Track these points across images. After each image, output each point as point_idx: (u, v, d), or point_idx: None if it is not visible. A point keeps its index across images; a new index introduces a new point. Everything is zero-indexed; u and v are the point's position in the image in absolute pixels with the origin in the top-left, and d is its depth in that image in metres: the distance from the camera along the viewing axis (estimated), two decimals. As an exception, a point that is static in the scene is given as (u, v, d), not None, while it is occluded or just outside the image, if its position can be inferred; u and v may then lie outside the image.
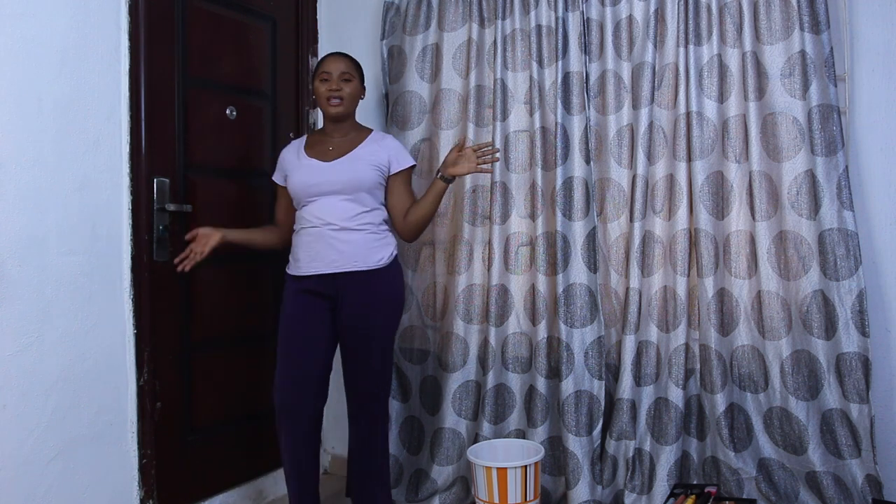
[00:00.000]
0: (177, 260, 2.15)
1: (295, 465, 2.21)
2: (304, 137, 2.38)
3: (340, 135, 2.28)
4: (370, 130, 2.34)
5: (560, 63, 2.50)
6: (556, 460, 2.50)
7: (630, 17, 2.47)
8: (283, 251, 2.38)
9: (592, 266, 2.49)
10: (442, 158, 2.69)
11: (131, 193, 2.17)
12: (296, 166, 2.26)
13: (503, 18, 2.60)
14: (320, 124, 2.95)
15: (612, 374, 2.51)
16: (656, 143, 2.44)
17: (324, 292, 2.18)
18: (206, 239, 2.16)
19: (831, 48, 2.19)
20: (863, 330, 2.15)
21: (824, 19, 2.19)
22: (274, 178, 2.37)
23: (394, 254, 2.25)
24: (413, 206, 2.27)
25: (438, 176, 2.26)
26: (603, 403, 2.44)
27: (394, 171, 2.26)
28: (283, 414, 2.18)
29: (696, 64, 2.37)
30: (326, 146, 2.28)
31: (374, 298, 2.20)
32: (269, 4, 2.75)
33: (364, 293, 2.18)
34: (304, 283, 2.20)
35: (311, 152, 2.28)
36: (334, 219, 2.16)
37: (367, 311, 2.19)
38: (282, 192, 2.35)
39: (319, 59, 2.33)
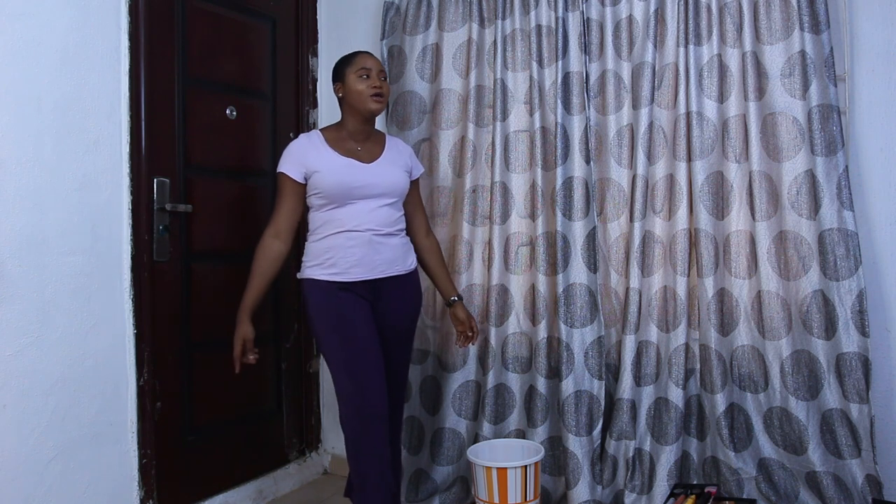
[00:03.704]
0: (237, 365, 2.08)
1: (384, 476, 2.03)
2: (318, 133, 2.18)
3: (364, 136, 2.20)
4: (382, 133, 2.32)
5: (560, 63, 2.50)
6: (556, 460, 2.50)
7: (630, 17, 2.47)
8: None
9: (592, 266, 2.50)
10: (441, 158, 2.70)
11: (131, 193, 2.17)
12: (328, 164, 2.08)
13: (503, 18, 2.60)
14: (320, 124, 2.96)
15: (612, 374, 2.51)
16: (656, 143, 2.44)
17: (364, 294, 2.11)
18: (248, 344, 2.07)
19: (831, 48, 2.19)
20: (863, 330, 2.15)
21: (824, 19, 2.19)
22: (287, 171, 2.09)
23: (415, 257, 2.29)
24: (439, 254, 2.38)
25: (451, 299, 2.37)
26: (603, 403, 2.44)
27: (414, 177, 2.29)
28: (368, 419, 2.01)
29: (696, 64, 2.37)
30: (353, 146, 2.16)
31: (409, 300, 2.24)
32: (269, 4, 2.75)
33: (401, 295, 2.19)
34: (354, 287, 2.09)
35: (341, 151, 2.12)
36: (378, 224, 2.10)
37: (405, 312, 2.23)
38: (296, 189, 2.10)
39: (348, 55, 2.21)
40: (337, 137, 2.17)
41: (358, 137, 2.19)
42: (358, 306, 2.08)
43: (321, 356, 2.93)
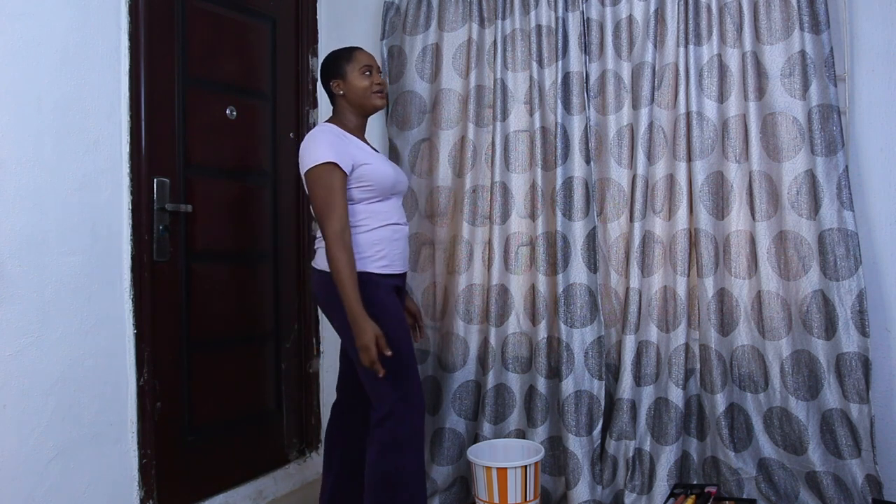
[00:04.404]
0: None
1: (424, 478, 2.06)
2: (334, 126, 2.09)
3: (363, 133, 2.19)
4: None
5: (560, 63, 2.50)
6: (556, 460, 2.50)
7: (630, 17, 2.47)
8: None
9: (592, 266, 2.50)
10: (441, 158, 2.70)
11: (131, 193, 2.16)
12: (373, 157, 2.07)
13: (503, 18, 2.60)
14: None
15: (612, 374, 2.51)
16: (656, 143, 2.44)
17: (400, 287, 2.17)
18: (382, 341, 1.90)
19: (831, 48, 2.20)
20: (863, 330, 2.15)
21: (824, 19, 2.20)
22: (339, 161, 1.96)
23: None
24: None
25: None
26: (603, 403, 2.44)
27: None
28: (422, 420, 2.05)
29: (696, 64, 2.37)
30: (365, 142, 2.16)
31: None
32: (269, 4, 2.75)
33: (404, 290, 2.25)
34: (394, 280, 2.09)
35: (366, 145, 2.14)
36: (406, 220, 2.19)
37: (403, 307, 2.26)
38: (346, 180, 1.99)
39: (344, 50, 2.19)
40: (350, 131, 2.12)
41: (359, 134, 2.18)
42: (397, 300, 2.11)
43: (321, 355, 2.93)
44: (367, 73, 2.13)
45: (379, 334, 1.88)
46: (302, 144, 2.04)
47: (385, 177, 2.06)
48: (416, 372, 2.06)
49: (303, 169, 2.00)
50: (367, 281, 1.99)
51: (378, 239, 2.04)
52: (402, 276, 2.16)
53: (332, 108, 2.20)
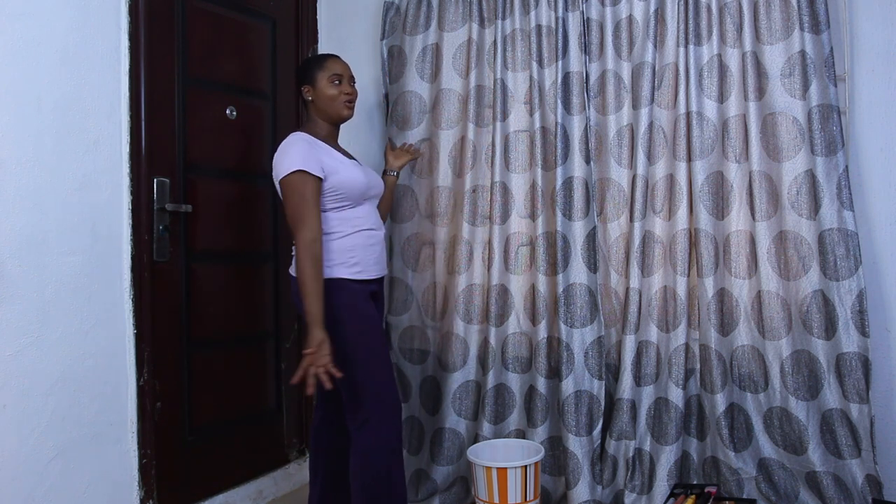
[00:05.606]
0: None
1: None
2: (306, 134, 2.09)
3: (335, 139, 2.21)
4: None
5: (560, 63, 2.50)
6: (556, 460, 2.50)
7: (630, 17, 2.47)
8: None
9: (592, 266, 2.50)
10: (441, 158, 2.70)
11: (131, 193, 2.16)
12: (343, 164, 2.06)
13: (503, 18, 2.60)
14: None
15: (612, 374, 2.51)
16: (656, 143, 2.44)
17: (376, 293, 2.17)
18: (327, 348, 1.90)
19: (831, 48, 2.20)
20: (863, 330, 2.15)
21: (824, 19, 2.20)
22: (311, 170, 1.96)
23: None
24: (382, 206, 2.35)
25: (390, 173, 2.52)
26: (603, 403, 2.44)
27: None
28: (400, 423, 2.06)
29: (696, 64, 2.37)
30: (337, 148, 2.17)
31: (383, 301, 2.28)
32: (269, 4, 2.75)
33: (382, 295, 2.25)
34: (368, 286, 2.10)
35: (337, 152, 2.13)
36: (381, 225, 2.19)
37: (380, 312, 2.25)
38: (320, 188, 1.99)
39: (318, 57, 2.21)
40: (322, 138, 2.13)
41: (332, 140, 2.18)
42: (372, 306, 2.11)
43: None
44: (337, 81, 2.12)
45: (325, 350, 1.86)
46: (275, 155, 2.05)
47: (355, 184, 2.06)
48: (389, 375, 2.06)
49: (276, 179, 2.01)
50: (339, 286, 2.01)
51: (351, 245, 2.05)
52: (379, 280, 2.16)
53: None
